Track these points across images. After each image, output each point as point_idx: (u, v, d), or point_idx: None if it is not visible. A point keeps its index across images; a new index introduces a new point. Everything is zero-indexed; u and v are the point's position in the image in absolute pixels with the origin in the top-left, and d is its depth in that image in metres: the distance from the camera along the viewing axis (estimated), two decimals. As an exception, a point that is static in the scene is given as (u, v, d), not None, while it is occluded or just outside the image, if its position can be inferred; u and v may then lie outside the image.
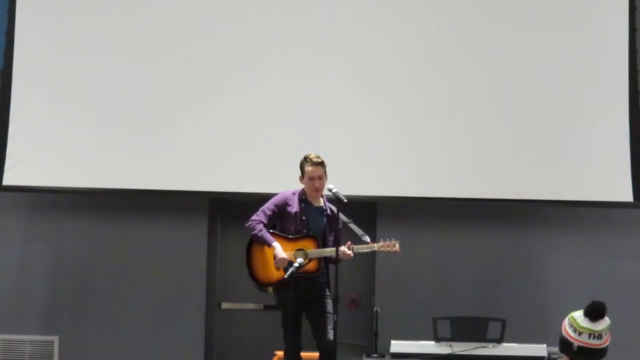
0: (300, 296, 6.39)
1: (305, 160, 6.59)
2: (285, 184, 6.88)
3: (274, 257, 6.50)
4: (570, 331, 3.90)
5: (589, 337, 3.86)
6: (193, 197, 8.12)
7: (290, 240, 6.56)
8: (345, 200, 6.47)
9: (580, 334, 3.87)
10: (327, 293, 6.58)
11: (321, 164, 6.58)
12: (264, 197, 6.85)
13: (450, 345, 7.04)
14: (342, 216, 6.60)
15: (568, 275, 8.05)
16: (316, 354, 6.56)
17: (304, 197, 6.65)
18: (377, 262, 8.02)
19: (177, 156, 7.93)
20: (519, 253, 8.09)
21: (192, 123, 7.95)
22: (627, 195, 7.81)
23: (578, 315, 3.90)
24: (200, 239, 8.21)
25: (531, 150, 7.88)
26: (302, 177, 6.63)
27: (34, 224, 8.23)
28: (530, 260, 8.10)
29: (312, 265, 6.50)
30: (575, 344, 3.88)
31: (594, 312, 3.85)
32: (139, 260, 8.19)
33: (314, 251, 6.52)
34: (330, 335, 6.43)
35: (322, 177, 6.58)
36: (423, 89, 7.93)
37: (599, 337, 3.86)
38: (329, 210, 6.68)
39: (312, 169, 6.56)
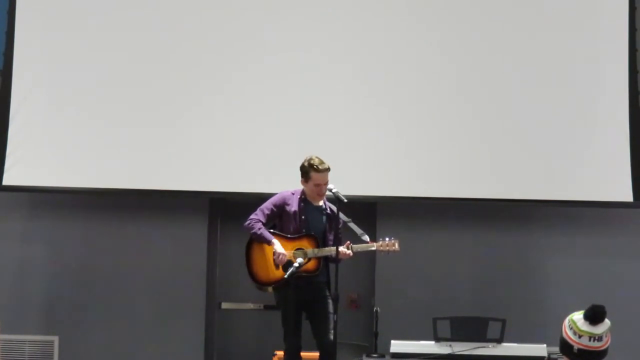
0: (301, 296, 6.39)
1: (311, 166, 6.55)
2: (285, 184, 6.88)
3: (274, 254, 6.51)
4: (570, 333, 3.90)
5: (589, 340, 3.86)
6: (193, 197, 8.12)
7: (289, 239, 6.57)
8: (345, 200, 6.48)
9: (580, 336, 3.87)
10: (327, 293, 6.58)
11: (327, 170, 6.56)
12: (264, 197, 6.85)
13: (450, 345, 7.03)
14: (341, 215, 6.60)
15: (568, 275, 8.05)
16: (316, 354, 6.56)
17: (303, 196, 6.65)
18: (377, 262, 8.02)
19: (177, 156, 7.92)
20: (519, 253, 8.09)
21: (192, 123, 7.95)
22: (627, 195, 7.81)
23: (578, 318, 3.90)
24: (200, 239, 8.21)
25: (531, 150, 7.88)
26: (304, 181, 6.62)
27: (34, 224, 8.23)
28: (530, 260, 8.10)
29: (311, 265, 6.50)
30: (576, 346, 3.88)
31: (594, 315, 3.85)
32: (139, 260, 8.19)
33: (313, 250, 6.52)
34: (331, 335, 6.43)
35: (327, 183, 6.57)
36: (423, 88, 7.93)
37: (599, 339, 3.86)
38: (328, 209, 6.68)
39: (319, 176, 6.54)
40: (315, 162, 6.56)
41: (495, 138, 7.91)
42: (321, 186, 6.56)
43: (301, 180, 6.63)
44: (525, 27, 7.94)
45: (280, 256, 6.46)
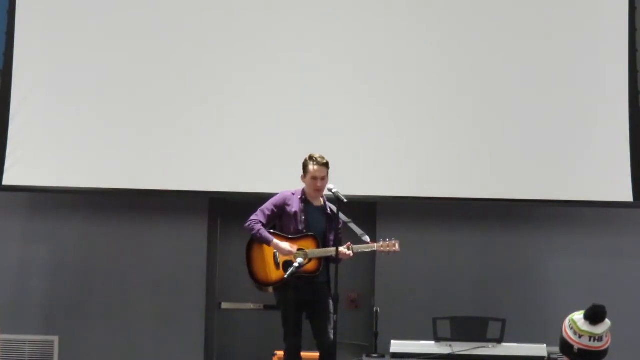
0: (301, 296, 6.39)
1: (310, 159, 6.59)
2: (285, 184, 6.88)
3: (274, 255, 6.51)
4: (570, 333, 3.90)
5: (590, 340, 3.86)
6: (193, 197, 8.12)
7: (289, 240, 6.57)
8: (345, 200, 6.48)
9: (580, 336, 3.87)
10: (328, 293, 6.58)
11: (326, 165, 6.58)
12: (264, 197, 6.86)
13: (450, 345, 7.04)
14: (342, 216, 6.60)
15: (568, 275, 8.05)
16: (316, 354, 6.57)
17: (304, 197, 6.65)
18: (377, 262, 8.02)
19: (177, 156, 7.92)
20: (519, 253, 8.09)
21: (192, 123, 7.95)
22: (627, 195, 7.81)
23: (578, 318, 3.90)
24: (200, 239, 8.21)
25: (531, 150, 7.88)
26: (304, 176, 6.63)
27: (34, 224, 8.23)
28: (530, 260, 8.09)
29: (312, 265, 6.51)
30: (576, 346, 3.88)
31: (594, 315, 3.85)
32: (138, 260, 8.19)
33: (313, 251, 6.53)
34: (331, 335, 6.44)
35: (324, 178, 6.58)
36: (423, 88, 7.93)
37: (599, 339, 3.87)
38: (329, 209, 6.68)
39: (316, 169, 6.56)
40: (315, 155, 6.60)
41: (495, 138, 7.91)
42: (318, 180, 6.57)
43: (301, 176, 6.64)
44: (525, 27, 7.93)
45: (284, 251, 6.46)
